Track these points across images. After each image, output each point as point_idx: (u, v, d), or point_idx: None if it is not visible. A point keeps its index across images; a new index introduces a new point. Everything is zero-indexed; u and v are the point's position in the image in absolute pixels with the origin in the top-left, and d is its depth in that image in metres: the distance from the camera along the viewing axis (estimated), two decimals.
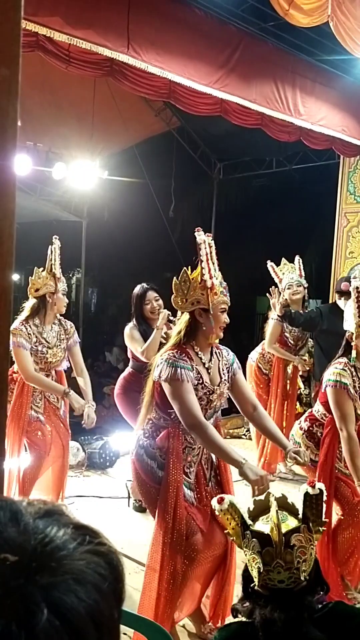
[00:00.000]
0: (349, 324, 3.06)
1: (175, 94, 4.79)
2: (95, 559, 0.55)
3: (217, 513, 1.70)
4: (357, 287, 2.97)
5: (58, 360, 3.91)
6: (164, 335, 3.89)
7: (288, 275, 5.20)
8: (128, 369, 4.33)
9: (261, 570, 1.52)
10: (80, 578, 0.53)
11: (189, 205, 10.69)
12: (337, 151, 6.35)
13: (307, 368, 5.30)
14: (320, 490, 1.66)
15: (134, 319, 4.20)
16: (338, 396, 2.97)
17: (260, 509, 1.66)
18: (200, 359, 2.60)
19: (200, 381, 2.57)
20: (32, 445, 3.81)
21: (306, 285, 5.26)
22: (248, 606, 1.60)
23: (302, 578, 1.52)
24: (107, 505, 4.52)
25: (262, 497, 1.71)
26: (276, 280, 5.25)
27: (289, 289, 5.14)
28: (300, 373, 5.42)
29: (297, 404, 5.45)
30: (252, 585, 1.57)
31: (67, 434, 4.02)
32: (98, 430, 6.39)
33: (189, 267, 2.62)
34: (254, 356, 5.39)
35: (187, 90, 4.70)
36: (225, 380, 2.69)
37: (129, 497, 4.45)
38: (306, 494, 1.64)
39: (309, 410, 3.38)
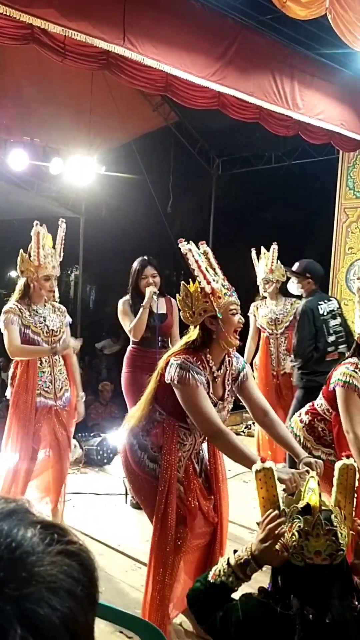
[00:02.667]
0: (358, 325, 2.95)
1: (172, 87, 4.73)
2: (67, 561, 0.52)
3: (253, 470, 1.70)
4: None
5: (59, 329, 3.76)
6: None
7: (259, 269, 5.29)
8: (130, 347, 4.23)
9: (302, 528, 1.50)
10: (53, 586, 0.49)
11: (187, 202, 10.63)
12: (336, 146, 6.30)
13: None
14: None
15: (129, 293, 4.12)
16: (348, 397, 2.86)
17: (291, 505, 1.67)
18: (211, 368, 2.55)
19: (208, 391, 2.53)
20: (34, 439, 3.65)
21: (276, 279, 5.22)
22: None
23: (342, 543, 1.50)
24: (104, 502, 4.50)
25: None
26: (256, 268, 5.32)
27: (263, 283, 5.28)
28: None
29: None
30: (290, 549, 1.53)
31: (65, 436, 3.81)
32: (96, 427, 6.38)
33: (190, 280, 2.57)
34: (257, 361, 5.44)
35: (184, 83, 4.64)
36: (228, 391, 2.65)
37: (126, 494, 4.42)
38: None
39: (310, 403, 3.31)
